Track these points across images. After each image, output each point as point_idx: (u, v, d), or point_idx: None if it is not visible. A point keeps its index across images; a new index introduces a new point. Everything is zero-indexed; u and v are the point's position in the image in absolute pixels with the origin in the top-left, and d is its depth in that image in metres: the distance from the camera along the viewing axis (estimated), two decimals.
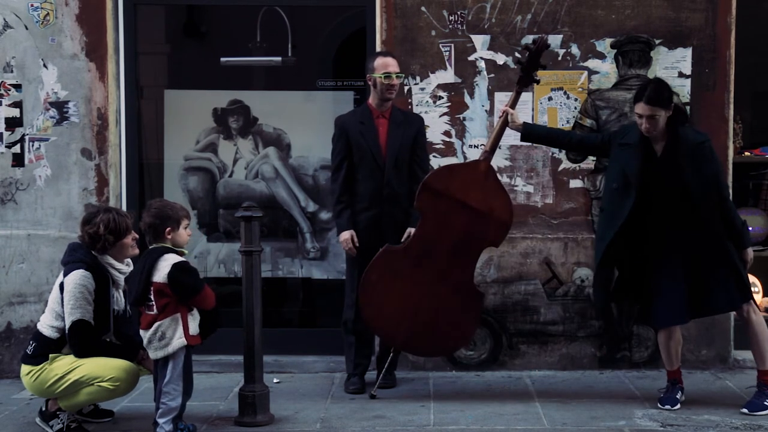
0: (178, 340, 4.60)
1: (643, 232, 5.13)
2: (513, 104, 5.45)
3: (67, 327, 4.70)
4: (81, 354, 4.73)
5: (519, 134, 5.45)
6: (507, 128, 5.44)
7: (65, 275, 4.76)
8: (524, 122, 5.46)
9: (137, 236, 4.91)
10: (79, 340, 4.70)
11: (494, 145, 5.43)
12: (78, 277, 4.70)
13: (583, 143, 5.41)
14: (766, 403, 5.13)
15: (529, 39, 5.76)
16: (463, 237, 5.35)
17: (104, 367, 4.69)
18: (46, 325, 4.81)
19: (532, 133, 5.44)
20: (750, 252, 5.20)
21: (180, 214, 4.72)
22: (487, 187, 5.36)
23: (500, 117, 5.47)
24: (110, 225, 4.78)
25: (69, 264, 4.80)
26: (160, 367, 4.65)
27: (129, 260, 4.92)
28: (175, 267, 4.58)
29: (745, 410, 5.12)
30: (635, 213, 5.06)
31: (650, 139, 5.06)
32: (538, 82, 5.55)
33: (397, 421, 5.07)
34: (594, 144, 5.37)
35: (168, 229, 4.66)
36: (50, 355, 4.75)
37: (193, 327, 4.66)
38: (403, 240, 5.49)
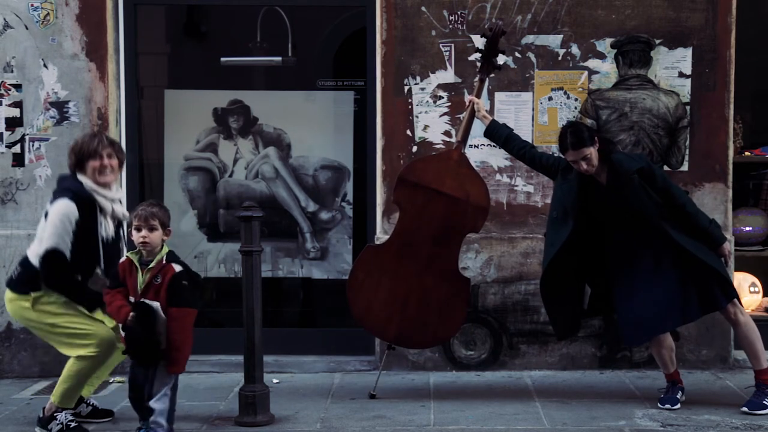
0: None
1: (601, 252, 5.22)
2: (478, 94, 5.53)
3: (39, 254, 4.68)
4: (50, 283, 4.70)
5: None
6: (476, 118, 5.50)
7: (51, 204, 4.76)
8: (493, 119, 5.51)
9: (108, 164, 4.80)
10: (49, 268, 4.66)
11: (465, 134, 5.50)
12: (61, 206, 4.68)
13: (535, 161, 5.38)
14: (765, 402, 5.13)
15: (496, 29, 5.64)
16: (443, 226, 5.39)
17: (84, 323, 4.74)
18: (34, 253, 4.79)
19: (493, 132, 5.46)
20: (726, 246, 5.23)
21: (133, 213, 4.66)
22: (461, 174, 5.42)
23: (467, 107, 5.52)
24: (77, 145, 4.83)
25: (55, 193, 4.80)
26: None
27: (118, 187, 4.87)
28: None
29: (745, 409, 5.12)
30: (589, 236, 5.17)
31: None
32: (499, 68, 5.60)
33: (397, 421, 5.07)
34: (543, 165, 5.36)
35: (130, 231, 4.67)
36: (33, 295, 4.75)
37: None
38: None
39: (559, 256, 5.15)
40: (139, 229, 4.49)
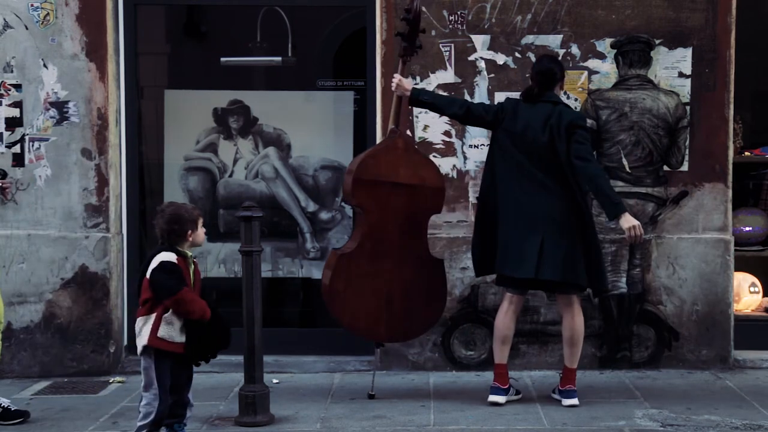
0: (143, 340, 4.43)
1: None
2: (402, 74, 5.45)
3: None
4: None
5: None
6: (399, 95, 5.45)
7: None
8: (413, 87, 5.46)
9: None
10: None
11: (396, 119, 5.46)
12: None
13: (471, 113, 5.37)
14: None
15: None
16: (408, 215, 5.42)
17: None
18: None
19: (418, 97, 5.41)
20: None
21: (195, 214, 4.59)
22: (412, 161, 5.45)
23: (394, 90, 5.45)
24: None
25: None
26: None
27: None
28: (159, 265, 4.43)
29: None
30: None
31: None
32: (420, 47, 5.52)
33: (397, 421, 5.07)
34: (482, 117, 5.37)
35: (189, 231, 4.51)
36: None
37: (164, 331, 4.41)
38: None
39: None
40: (204, 226, 4.59)
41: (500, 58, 6.08)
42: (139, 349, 4.45)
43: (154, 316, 4.42)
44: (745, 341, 6.15)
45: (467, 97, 6.03)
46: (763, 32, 6.90)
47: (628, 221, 5.07)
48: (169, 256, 4.45)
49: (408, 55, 5.47)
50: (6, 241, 6.09)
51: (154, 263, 4.45)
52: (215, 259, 6.58)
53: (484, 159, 6.08)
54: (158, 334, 4.41)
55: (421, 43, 5.51)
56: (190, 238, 4.53)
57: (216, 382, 5.88)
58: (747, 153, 6.76)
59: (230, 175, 6.60)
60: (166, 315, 4.40)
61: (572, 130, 5.12)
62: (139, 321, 4.47)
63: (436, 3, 6.06)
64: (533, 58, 6.05)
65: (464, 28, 6.09)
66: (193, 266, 4.57)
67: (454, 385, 5.82)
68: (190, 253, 4.56)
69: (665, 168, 6.08)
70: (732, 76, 6.08)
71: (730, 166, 6.11)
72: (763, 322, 6.44)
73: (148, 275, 4.45)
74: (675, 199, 6.07)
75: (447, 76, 6.11)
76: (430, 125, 6.11)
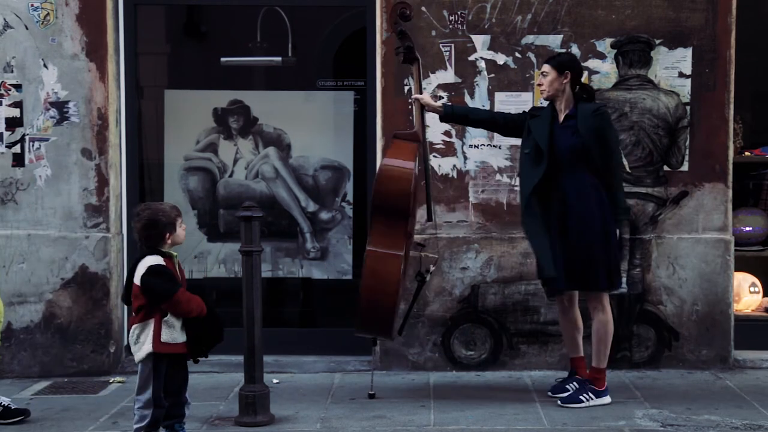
0: (146, 347, 4.39)
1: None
2: (420, 90, 5.47)
3: None
4: None
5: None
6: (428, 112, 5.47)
7: None
8: (443, 104, 5.48)
9: None
10: None
11: (421, 126, 5.43)
12: None
13: (508, 122, 5.40)
14: (581, 397, 5.24)
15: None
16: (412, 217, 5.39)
17: None
18: None
19: (451, 113, 5.45)
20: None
21: (172, 215, 4.50)
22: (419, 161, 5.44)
23: (412, 106, 5.45)
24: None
25: None
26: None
27: None
28: (148, 269, 4.37)
29: (559, 402, 5.29)
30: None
31: (556, 110, 5.24)
32: (417, 58, 5.51)
33: (397, 421, 5.07)
34: (514, 121, 5.39)
35: (167, 234, 4.46)
36: None
37: (167, 335, 4.38)
38: None
39: (534, 195, 5.21)
40: (180, 225, 4.53)
41: (500, 58, 6.08)
42: (141, 356, 4.40)
43: (152, 322, 4.38)
44: (745, 341, 6.16)
45: (467, 97, 6.04)
46: (763, 32, 6.90)
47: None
48: (155, 260, 4.41)
49: (417, 60, 5.44)
50: (6, 241, 6.10)
51: (142, 268, 4.40)
52: (215, 259, 6.58)
53: (484, 159, 6.12)
54: (162, 339, 4.38)
55: (418, 56, 5.50)
56: (169, 240, 4.48)
57: (216, 382, 5.88)
58: (747, 153, 6.76)
59: (230, 175, 6.60)
60: (165, 319, 4.38)
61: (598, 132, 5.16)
62: (135, 328, 4.41)
63: (436, 3, 6.07)
64: (533, 58, 6.07)
65: (464, 28, 6.10)
66: (177, 265, 4.53)
67: (454, 385, 5.82)
68: (175, 253, 4.53)
69: (665, 168, 6.08)
70: (732, 76, 6.08)
71: (730, 166, 6.11)
72: (763, 322, 6.45)
73: (137, 281, 4.39)
74: (675, 199, 6.07)
75: (447, 76, 6.11)
76: (430, 125, 6.09)
